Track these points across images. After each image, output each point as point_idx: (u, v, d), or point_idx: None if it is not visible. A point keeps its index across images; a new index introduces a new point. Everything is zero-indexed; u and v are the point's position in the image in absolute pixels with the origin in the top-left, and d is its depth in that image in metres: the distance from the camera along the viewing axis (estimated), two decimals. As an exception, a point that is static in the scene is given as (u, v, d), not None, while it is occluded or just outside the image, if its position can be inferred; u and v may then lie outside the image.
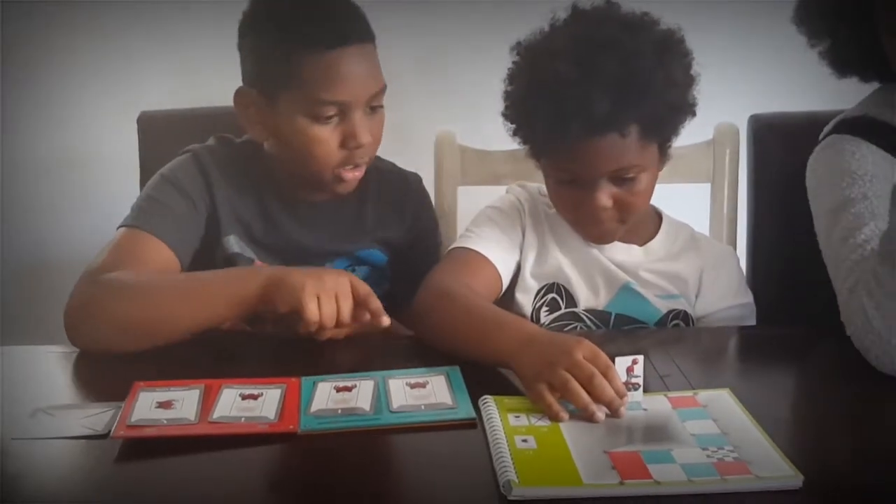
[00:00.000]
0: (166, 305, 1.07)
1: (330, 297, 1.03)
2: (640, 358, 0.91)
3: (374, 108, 1.20)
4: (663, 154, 1.19)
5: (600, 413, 0.86)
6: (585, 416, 0.86)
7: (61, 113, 2.00)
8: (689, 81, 1.14)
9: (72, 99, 1.99)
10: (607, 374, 0.88)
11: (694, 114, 1.16)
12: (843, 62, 1.19)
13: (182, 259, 1.20)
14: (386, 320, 1.07)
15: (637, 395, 0.90)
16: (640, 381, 0.91)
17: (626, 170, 1.13)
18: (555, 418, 0.87)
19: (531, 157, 1.22)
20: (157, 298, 1.08)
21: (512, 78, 1.18)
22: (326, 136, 1.17)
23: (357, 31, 1.18)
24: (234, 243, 1.25)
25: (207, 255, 1.25)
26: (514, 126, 1.19)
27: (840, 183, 1.13)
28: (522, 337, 0.96)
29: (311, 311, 1.01)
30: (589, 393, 0.87)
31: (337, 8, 1.19)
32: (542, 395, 0.89)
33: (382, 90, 1.21)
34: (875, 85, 1.23)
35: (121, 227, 1.19)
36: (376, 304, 1.07)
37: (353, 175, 1.22)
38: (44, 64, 1.96)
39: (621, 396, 0.88)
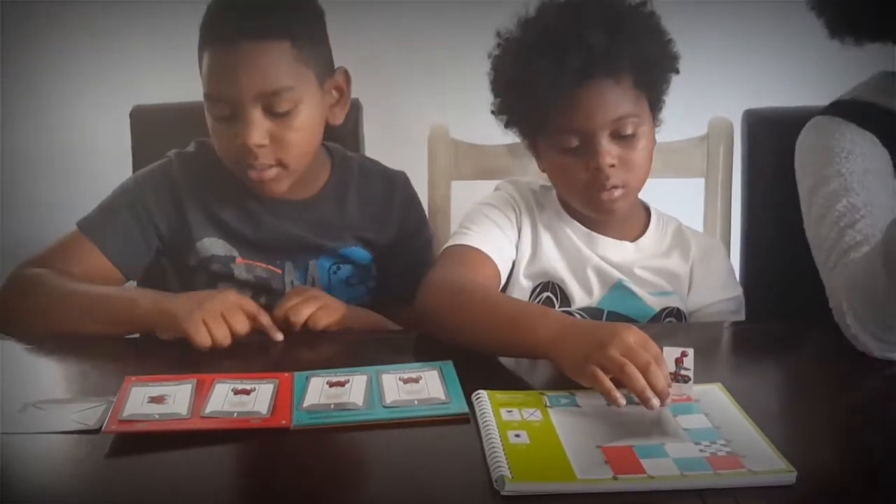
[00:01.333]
0: (66, 314, 1.11)
1: (216, 319, 1.05)
2: (690, 351, 0.89)
3: (280, 113, 1.16)
4: (655, 116, 1.20)
5: (655, 400, 0.84)
6: (640, 401, 0.84)
7: (55, 106, 1.99)
8: (668, 35, 1.17)
9: (66, 92, 1.98)
10: (658, 363, 0.86)
11: (677, 71, 1.18)
12: (839, 20, 1.16)
13: (125, 270, 1.24)
14: (279, 336, 1.09)
15: (686, 388, 0.89)
16: (691, 374, 0.89)
17: (625, 121, 1.13)
18: (613, 401, 0.85)
19: (527, 136, 1.21)
20: (59, 305, 1.12)
21: (497, 60, 1.18)
22: (225, 133, 1.18)
23: (257, 28, 1.14)
24: (209, 245, 1.26)
25: (181, 262, 1.27)
26: (506, 110, 1.19)
27: (818, 161, 1.15)
28: (561, 324, 0.94)
29: (201, 337, 1.04)
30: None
31: (252, 4, 1.16)
32: (597, 376, 0.86)
33: (281, 91, 1.15)
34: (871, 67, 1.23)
35: (78, 225, 1.24)
36: (265, 320, 1.09)
37: (257, 175, 1.19)
38: (38, 58, 1.96)
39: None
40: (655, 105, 1.20)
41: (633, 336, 0.88)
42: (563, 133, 1.15)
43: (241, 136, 1.15)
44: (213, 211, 1.26)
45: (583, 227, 1.25)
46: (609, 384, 0.86)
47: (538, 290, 1.23)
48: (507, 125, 1.21)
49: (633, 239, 1.26)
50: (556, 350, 0.93)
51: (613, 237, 1.24)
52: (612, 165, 1.13)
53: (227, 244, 1.26)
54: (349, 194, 1.32)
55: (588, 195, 1.18)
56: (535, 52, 1.12)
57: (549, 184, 1.28)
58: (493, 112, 1.21)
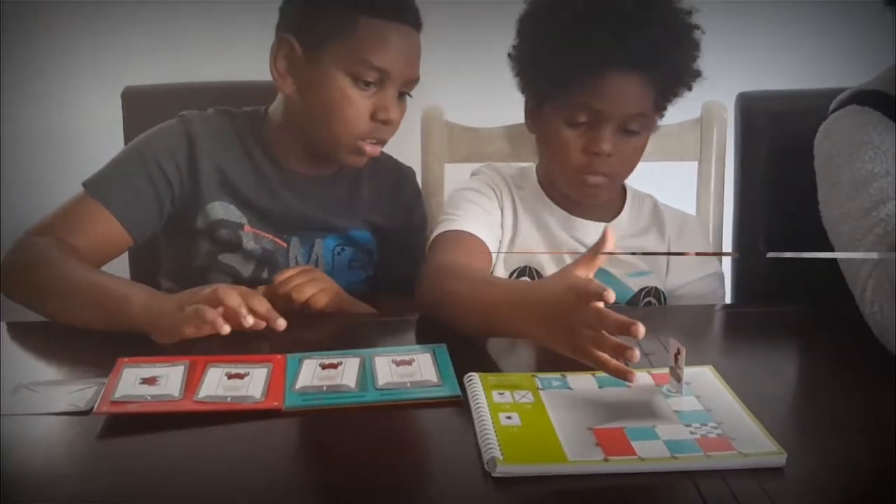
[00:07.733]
0: (66, 300, 1.07)
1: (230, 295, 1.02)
2: (683, 350, 0.86)
3: (402, 93, 1.23)
4: (655, 122, 1.21)
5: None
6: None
7: (48, 89, 1.98)
8: (699, 52, 1.16)
9: (59, 75, 1.97)
10: (606, 298, 0.82)
11: (691, 87, 1.17)
12: None
13: (135, 234, 1.21)
14: (281, 323, 1.04)
15: (678, 386, 0.87)
16: (682, 372, 0.87)
17: (637, 119, 1.14)
18: (626, 378, 0.84)
19: (535, 99, 1.21)
20: (58, 290, 1.08)
21: (532, 15, 1.16)
22: (360, 101, 1.19)
23: (414, 16, 1.22)
24: (219, 209, 1.25)
25: (188, 224, 1.26)
26: (525, 64, 1.18)
27: (862, 155, 1.10)
28: (512, 299, 0.93)
29: (217, 323, 0.99)
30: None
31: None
32: (605, 361, 0.83)
33: (416, 80, 1.23)
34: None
35: (84, 185, 1.20)
36: (265, 307, 1.04)
37: (371, 149, 1.23)
38: (31, 40, 1.94)
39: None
40: (661, 112, 1.20)
41: (581, 294, 0.83)
42: (576, 109, 1.15)
43: (387, 112, 1.19)
44: (227, 175, 1.26)
45: (561, 210, 1.26)
46: (615, 364, 0.84)
47: (515, 274, 1.24)
48: (518, 74, 1.20)
49: (610, 219, 1.27)
50: (533, 334, 0.92)
51: (591, 219, 1.25)
52: (610, 155, 1.14)
53: (238, 210, 1.26)
54: (363, 177, 1.33)
55: (575, 176, 1.18)
56: (591, 26, 1.10)
57: (525, 166, 1.28)
58: (510, 55, 1.20)
